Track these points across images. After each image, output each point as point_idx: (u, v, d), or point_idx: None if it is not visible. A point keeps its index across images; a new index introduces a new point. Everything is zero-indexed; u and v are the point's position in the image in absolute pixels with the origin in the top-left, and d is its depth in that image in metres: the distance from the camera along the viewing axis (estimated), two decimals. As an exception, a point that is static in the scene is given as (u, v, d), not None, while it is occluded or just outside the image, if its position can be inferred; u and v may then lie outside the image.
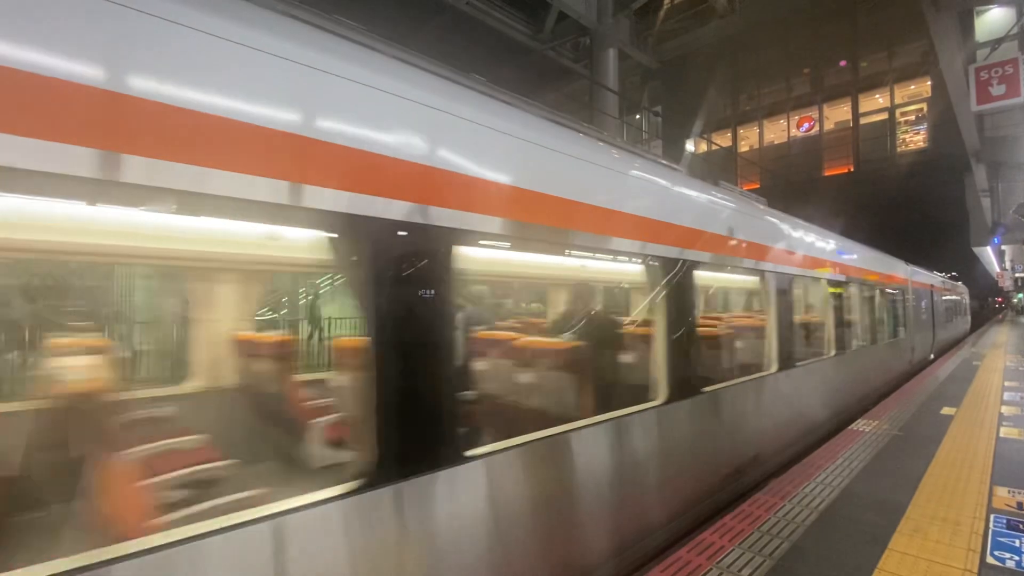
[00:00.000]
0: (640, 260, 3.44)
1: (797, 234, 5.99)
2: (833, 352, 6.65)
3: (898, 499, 3.83)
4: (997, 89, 5.33)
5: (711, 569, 2.85)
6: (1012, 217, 12.56)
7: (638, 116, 26.17)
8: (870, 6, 21.95)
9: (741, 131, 27.55)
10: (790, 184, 23.30)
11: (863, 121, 23.97)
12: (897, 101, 23.20)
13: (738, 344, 5.20)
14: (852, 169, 24.05)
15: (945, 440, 5.39)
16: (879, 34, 22.40)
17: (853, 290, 7.78)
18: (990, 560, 2.95)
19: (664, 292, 3.52)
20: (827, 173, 24.68)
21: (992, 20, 9.71)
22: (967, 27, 8.99)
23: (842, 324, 7.08)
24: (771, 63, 25.22)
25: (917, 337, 12.08)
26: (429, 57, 2.59)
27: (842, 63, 24.21)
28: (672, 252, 3.58)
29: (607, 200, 3.17)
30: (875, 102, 23.80)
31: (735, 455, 4.36)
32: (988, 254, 24.03)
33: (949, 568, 2.86)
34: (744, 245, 4.50)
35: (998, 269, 29.68)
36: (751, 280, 5.28)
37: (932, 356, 13.64)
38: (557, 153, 2.92)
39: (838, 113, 24.75)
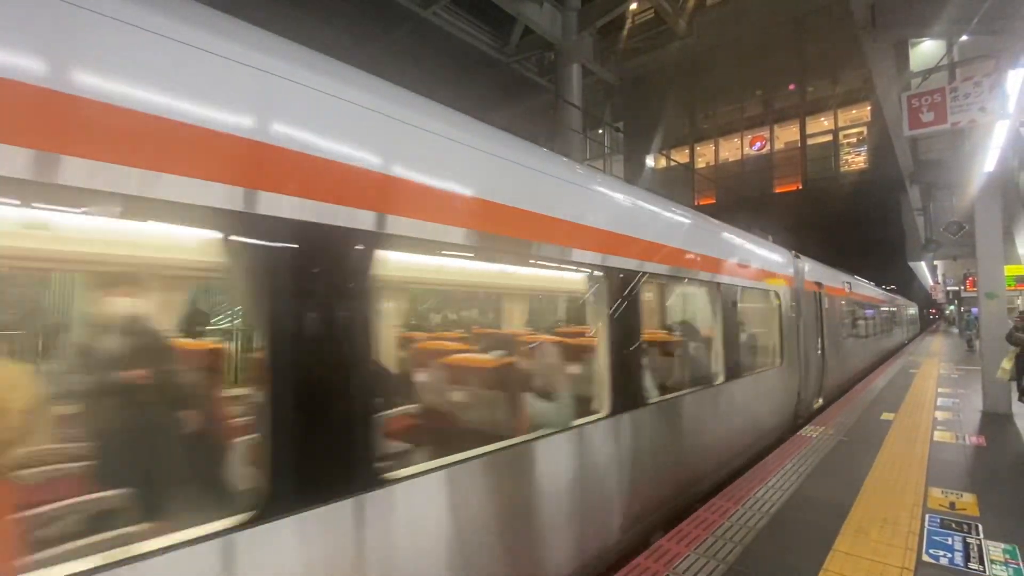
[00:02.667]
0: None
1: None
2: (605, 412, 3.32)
3: (843, 501, 4.01)
4: (927, 116, 5.75)
5: (667, 575, 2.90)
6: (942, 234, 13.50)
7: (601, 131, 26.80)
8: (816, 36, 23.32)
9: (698, 148, 28.59)
10: (743, 200, 24.33)
11: (810, 142, 25.32)
12: (840, 124, 24.63)
13: None
14: (800, 187, 25.32)
15: (885, 444, 5.69)
16: (824, 62, 23.79)
17: (674, 291, 5.24)
18: (925, 558, 3.13)
19: None
20: (778, 190, 25.88)
21: (924, 52, 10.51)
22: (902, 57, 9.68)
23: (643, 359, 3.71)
24: (726, 84, 26.34)
25: (807, 371, 7.55)
26: (397, 64, 2.50)
27: (791, 87, 25.57)
28: None
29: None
30: (821, 124, 25.20)
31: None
32: (923, 269, 25.72)
33: (888, 567, 3.01)
34: None
35: (932, 283, 31.79)
36: None
37: (820, 401, 8.36)
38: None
39: (788, 133, 26.05)
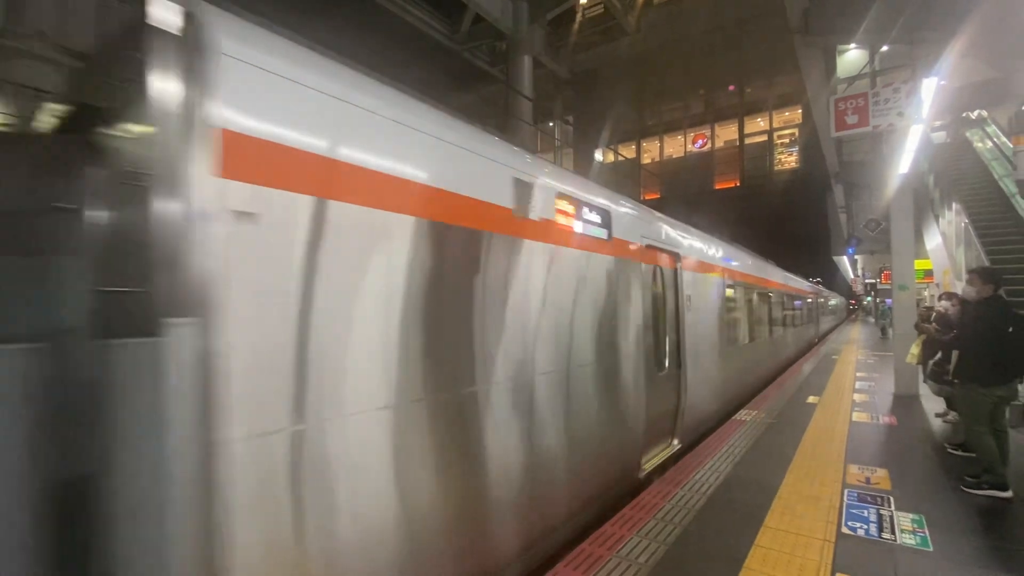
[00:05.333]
0: None
1: None
2: None
3: (772, 480, 4.26)
4: (851, 119, 6.16)
5: (611, 559, 2.97)
6: (862, 231, 14.59)
7: (552, 124, 26.98)
8: (755, 40, 24.44)
9: (645, 144, 29.39)
10: (686, 195, 25.29)
11: (747, 141, 26.62)
12: (775, 125, 26.04)
13: None
14: (738, 184, 26.60)
15: (810, 426, 6.10)
16: (762, 65, 24.98)
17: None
18: (844, 530, 3.37)
19: None
20: (717, 187, 27.07)
21: (850, 59, 11.26)
22: (830, 64, 10.33)
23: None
24: (672, 82, 27.15)
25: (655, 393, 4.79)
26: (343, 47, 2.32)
27: (731, 88, 26.72)
28: None
29: None
30: (757, 125, 26.52)
31: None
32: (845, 263, 27.76)
33: (812, 540, 3.22)
34: None
35: (852, 276, 34.41)
36: None
37: (675, 443, 5.29)
38: None
39: (727, 133, 27.25)
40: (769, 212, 24.08)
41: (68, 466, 1.62)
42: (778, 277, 12.22)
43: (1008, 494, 3.90)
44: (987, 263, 8.19)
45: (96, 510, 1.64)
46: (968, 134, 16.12)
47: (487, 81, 20.69)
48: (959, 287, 5.96)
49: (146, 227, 1.58)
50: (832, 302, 31.87)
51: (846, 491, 4.03)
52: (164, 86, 1.58)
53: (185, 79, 1.60)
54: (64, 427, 1.60)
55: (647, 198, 26.64)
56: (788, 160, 25.79)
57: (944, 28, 4.42)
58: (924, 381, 6.80)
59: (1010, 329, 3.98)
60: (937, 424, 6.30)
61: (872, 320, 32.89)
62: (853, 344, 17.69)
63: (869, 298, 37.18)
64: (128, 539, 1.63)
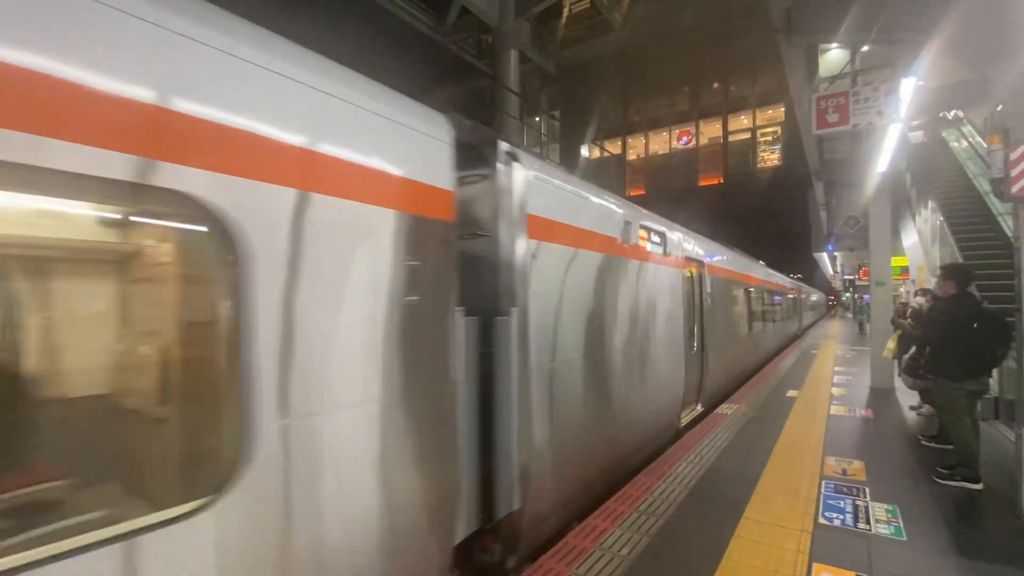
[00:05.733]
0: None
1: None
2: None
3: (752, 472, 4.33)
4: (832, 117, 6.26)
5: (595, 551, 2.99)
6: (842, 228, 14.86)
7: (538, 119, 26.93)
8: (740, 38, 24.66)
9: (630, 140, 29.51)
10: (671, 191, 25.50)
11: (731, 139, 26.89)
12: (758, 123, 26.34)
13: None
14: (722, 180, 26.88)
15: (789, 419, 6.21)
16: (746, 63, 25.23)
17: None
18: (822, 520, 3.44)
19: None
20: (702, 183, 27.32)
21: (832, 59, 11.42)
22: (812, 62, 10.46)
23: None
24: (657, 79, 27.27)
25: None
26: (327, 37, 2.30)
27: (716, 85, 26.94)
28: None
29: None
30: (741, 122, 26.80)
31: None
32: (825, 259, 28.28)
33: (790, 530, 3.28)
34: None
35: (831, 272, 35.09)
36: None
37: (699, 407, 6.88)
38: None
39: (711, 130, 27.49)
40: (752, 209, 24.40)
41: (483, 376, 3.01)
42: (775, 279, 14.39)
43: (979, 486, 4.02)
44: (961, 260, 8.41)
45: (488, 403, 3.05)
46: (944, 134, 16.50)
47: (473, 74, 20.54)
48: (933, 283, 6.11)
49: (502, 263, 3.14)
50: (813, 298, 33.29)
51: (823, 482, 4.11)
52: (507, 187, 3.15)
53: (512, 186, 3.15)
54: (482, 359, 3.01)
55: (632, 194, 26.82)
56: (771, 158, 26.14)
57: (922, 28, 4.51)
58: (899, 375, 6.96)
59: (975, 325, 4.08)
60: (911, 417, 6.46)
61: (850, 316, 33.61)
62: (832, 339, 18.06)
63: (848, 294, 37.96)
64: (501, 414, 3.08)
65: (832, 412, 6.60)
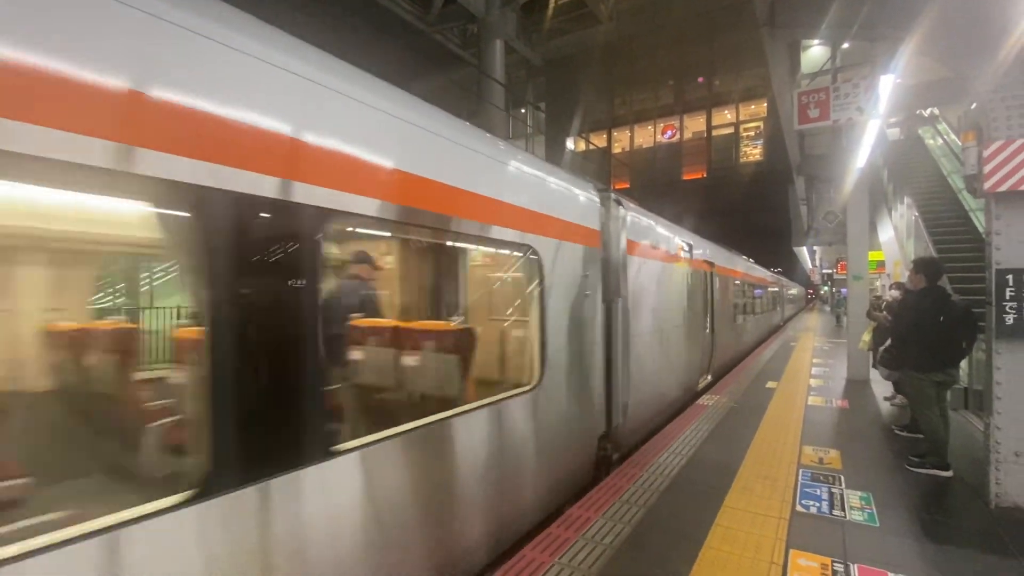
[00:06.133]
0: None
1: None
2: None
3: (732, 462, 4.41)
4: (813, 112, 6.35)
5: (578, 540, 3.02)
6: (821, 222, 15.12)
7: (524, 110, 26.80)
8: (724, 32, 24.79)
9: (615, 133, 29.57)
10: (655, 185, 25.67)
11: (715, 133, 27.11)
12: (741, 118, 26.59)
13: None
14: (705, 175, 27.12)
15: (768, 409, 6.33)
16: (730, 58, 25.40)
17: None
18: (799, 508, 3.52)
19: None
20: (686, 177, 27.53)
21: (813, 55, 11.56)
22: (795, 58, 10.58)
23: None
24: (643, 72, 27.34)
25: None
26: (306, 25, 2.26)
27: (700, 80, 27.09)
28: None
29: None
30: (724, 117, 27.03)
31: None
32: (804, 253, 28.77)
33: (768, 518, 3.35)
34: None
35: (810, 266, 35.73)
36: None
37: (709, 377, 8.70)
38: None
39: (696, 124, 27.67)
40: (734, 203, 24.68)
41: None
42: (761, 274, 16.46)
43: (949, 473, 4.15)
44: (935, 255, 8.62)
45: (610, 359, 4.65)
46: (920, 131, 16.87)
47: (458, 64, 20.33)
48: (906, 277, 6.26)
49: (612, 269, 4.67)
50: (793, 291, 34.35)
51: (801, 471, 4.21)
52: (616, 223, 4.74)
53: (617, 219, 4.75)
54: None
55: (617, 187, 26.91)
56: (753, 153, 26.43)
57: (900, 26, 4.57)
58: (874, 366, 7.14)
59: (942, 318, 4.20)
60: (885, 407, 6.63)
61: (828, 309, 34.32)
62: (810, 332, 18.43)
63: (826, 288, 38.73)
64: (614, 363, 4.65)
65: (810, 403, 6.75)
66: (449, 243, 3.75)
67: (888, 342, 6.04)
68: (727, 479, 4.01)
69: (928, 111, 16.40)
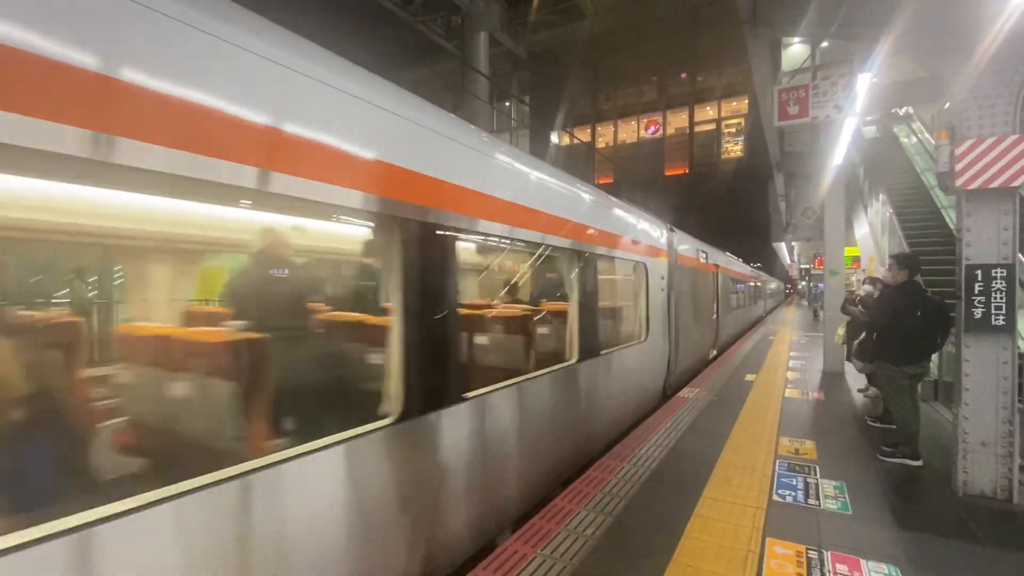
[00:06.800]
0: None
1: None
2: None
3: (711, 453, 4.48)
4: (793, 109, 6.45)
5: (560, 532, 3.05)
6: (799, 218, 15.41)
7: (508, 104, 26.67)
8: (707, 28, 24.97)
9: (599, 128, 29.67)
10: (638, 180, 25.83)
11: (697, 129, 27.40)
12: (723, 114, 26.90)
13: None
14: (687, 171, 27.40)
15: (747, 402, 6.45)
16: (713, 54, 25.64)
17: None
18: (775, 497, 3.59)
19: None
20: (668, 173, 27.79)
21: (794, 53, 11.71)
22: (776, 56, 10.70)
23: None
24: (627, 67, 27.45)
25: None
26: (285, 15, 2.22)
27: (683, 76, 27.30)
28: None
29: None
30: (706, 113, 27.32)
31: None
32: (783, 249, 29.31)
33: (746, 507, 3.42)
34: None
35: (789, 261, 36.43)
36: None
37: (714, 352, 11.94)
38: None
39: (678, 120, 27.92)
40: (715, 198, 25.00)
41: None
42: (750, 272, 19.66)
43: (919, 463, 4.28)
44: (907, 250, 8.85)
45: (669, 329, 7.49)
46: (895, 129, 17.25)
47: (442, 56, 20.12)
48: (882, 272, 6.43)
49: (671, 271, 7.56)
50: (772, 286, 35.27)
51: (777, 461, 4.30)
52: (671, 243, 7.57)
53: (671, 241, 7.60)
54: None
55: (600, 182, 27.01)
56: (734, 149, 26.78)
57: (877, 26, 4.66)
58: (848, 359, 7.32)
59: (918, 313, 4.32)
60: (859, 399, 6.81)
61: (806, 303, 35.05)
62: (788, 325, 18.81)
63: (804, 282, 39.54)
64: (671, 335, 7.52)
65: (787, 395, 6.89)
66: (609, 264, 5.52)
67: (863, 335, 6.19)
68: (706, 470, 4.08)
69: (903, 110, 16.77)
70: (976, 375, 3.64)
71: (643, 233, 6.31)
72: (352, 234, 2.98)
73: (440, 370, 2.72)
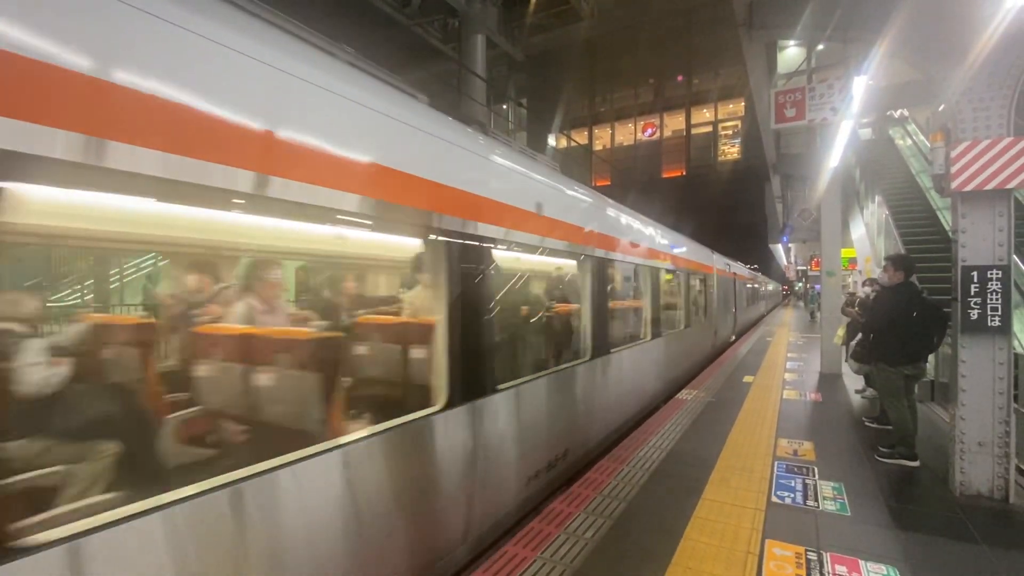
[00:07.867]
0: None
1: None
2: None
3: (710, 455, 4.49)
4: (789, 112, 6.47)
5: (560, 535, 3.04)
6: (796, 220, 15.48)
7: (505, 106, 26.72)
8: (703, 31, 25.08)
9: (596, 131, 29.73)
10: (635, 183, 25.89)
11: (694, 131, 27.49)
12: (720, 116, 27.00)
13: None
14: (684, 173, 27.48)
15: (745, 403, 6.46)
16: (709, 57, 25.75)
17: None
18: (774, 499, 3.60)
19: None
20: (665, 175, 27.86)
21: (790, 56, 11.79)
22: (772, 59, 10.78)
23: None
24: (623, 70, 27.53)
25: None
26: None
27: (680, 78, 27.40)
28: None
29: None
30: (703, 116, 27.41)
31: None
32: (780, 250, 29.39)
33: (745, 509, 3.42)
34: None
35: (785, 263, 36.53)
36: None
37: (733, 337, 16.13)
38: None
39: (675, 122, 28.01)
40: (712, 200, 25.08)
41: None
42: (756, 276, 22.63)
43: (916, 463, 4.30)
44: (903, 252, 8.90)
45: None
46: (891, 131, 17.34)
47: (439, 58, 20.15)
48: (878, 273, 6.47)
49: (715, 279, 12.30)
50: (770, 287, 35.64)
51: (776, 463, 4.31)
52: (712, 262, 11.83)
53: (714, 260, 12.08)
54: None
55: (598, 184, 27.06)
56: (731, 151, 26.88)
57: (872, 29, 4.69)
58: (846, 360, 7.35)
59: (915, 314, 4.34)
60: (856, 400, 6.83)
61: (802, 305, 35.15)
62: (785, 327, 18.86)
63: (800, 284, 39.65)
64: (715, 320, 12.41)
65: (784, 396, 6.91)
66: (686, 278, 8.77)
67: (859, 336, 6.21)
68: (705, 472, 4.08)
69: (899, 112, 16.87)
70: (972, 376, 3.65)
71: (705, 256, 10.89)
72: (415, 251, 3.39)
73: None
